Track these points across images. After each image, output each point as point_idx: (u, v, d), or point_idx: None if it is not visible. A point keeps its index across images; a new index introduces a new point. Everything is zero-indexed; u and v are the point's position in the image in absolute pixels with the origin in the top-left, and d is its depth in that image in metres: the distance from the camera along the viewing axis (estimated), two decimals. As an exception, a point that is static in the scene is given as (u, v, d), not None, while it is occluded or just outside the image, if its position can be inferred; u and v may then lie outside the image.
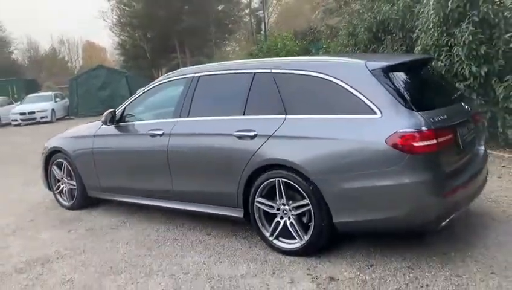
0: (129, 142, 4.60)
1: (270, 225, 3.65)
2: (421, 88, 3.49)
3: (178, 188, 4.18)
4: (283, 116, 3.56)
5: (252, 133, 3.63)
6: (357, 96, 3.26)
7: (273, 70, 3.74)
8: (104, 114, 4.70)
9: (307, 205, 3.40)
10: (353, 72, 3.40)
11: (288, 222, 3.55)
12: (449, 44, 6.42)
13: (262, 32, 26.71)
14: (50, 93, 24.85)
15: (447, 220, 3.13)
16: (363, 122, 3.21)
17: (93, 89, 23.70)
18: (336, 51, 11.01)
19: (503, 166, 5.74)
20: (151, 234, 4.32)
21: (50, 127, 17.19)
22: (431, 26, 6.62)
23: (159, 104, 4.62)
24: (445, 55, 6.46)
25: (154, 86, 4.64)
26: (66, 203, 5.36)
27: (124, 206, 5.09)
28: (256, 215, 3.70)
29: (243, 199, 3.74)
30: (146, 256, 3.83)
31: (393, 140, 3.03)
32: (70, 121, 20.77)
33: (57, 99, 23.67)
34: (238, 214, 3.83)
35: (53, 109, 22.25)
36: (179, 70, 4.54)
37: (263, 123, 3.64)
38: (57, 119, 22.29)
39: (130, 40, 36.94)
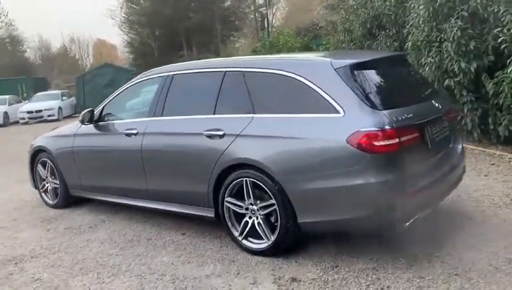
0: (106, 141, 4.61)
1: (239, 225, 3.62)
2: (388, 86, 3.41)
3: (152, 188, 4.18)
4: (251, 115, 3.53)
5: (220, 133, 3.61)
6: (321, 95, 3.21)
7: (243, 69, 3.71)
8: (81, 113, 4.71)
9: (273, 205, 3.37)
10: (318, 70, 3.35)
11: (256, 222, 3.52)
12: (439, 39, 6.31)
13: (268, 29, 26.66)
14: (57, 91, 25.05)
15: (411, 221, 3.07)
16: (327, 121, 3.16)
17: (99, 87, 23.79)
18: (334, 48, 10.91)
19: (493, 164, 5.64)
20: (127, 234, 4.33)
21: (57, 125, 17.29)
22: (421, 22, 6.52)
23: (135, 103, 4.63)
24: (435, 51, 6.36)
25: (131, 85, 4.63)
26: (51, 202, 5.40)
27: (107, 205, 5.10)
28: (226, 215, 3.68)
29: (213, 198, 3.72)
30: (117, 256, 3.83)
31: (355, 139, 2.98)
32: (77, 119, 20.84)
33: (64, 98, 23.86)
34: (209, 213, 3.81)
35: (60, 107, 22.43)
36: (155, 69, 4.52)
37: (232, 122, 3.61)
38: (64, 118, 22.45)
39: (138, 38, 37.13)
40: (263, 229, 3.47)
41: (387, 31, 8.29)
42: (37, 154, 5.45)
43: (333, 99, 3.16)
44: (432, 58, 6.38)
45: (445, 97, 4.37)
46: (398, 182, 3.00)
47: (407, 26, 7.09)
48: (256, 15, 34.40)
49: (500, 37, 5.41)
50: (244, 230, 3.58)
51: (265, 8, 30.41)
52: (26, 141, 5.92)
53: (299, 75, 3.35)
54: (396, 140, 2.97)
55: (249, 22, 36.83)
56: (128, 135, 4.29)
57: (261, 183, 3.40)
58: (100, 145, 4.67)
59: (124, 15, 37.30)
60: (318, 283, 3.04)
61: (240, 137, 3.51)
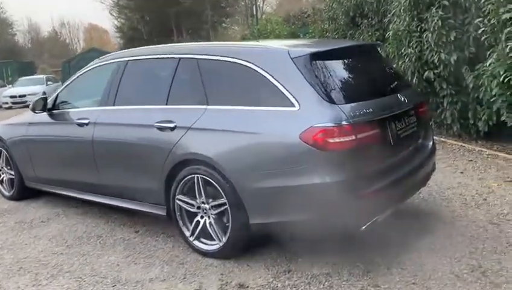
0: (59, 131, 4.33)
1: (191, 224, 3.38)
2: (350, 79, 3.17)
3: (103, 182, 3.92)
4: (204, 106, 3.27)
5: (171, 125, 3.35)
6: (277, 87, 2.95)
7: (197, 56, 3.44)
8: (32, 101, 4.42)
9: (225, 204, 3.13)
10: (274, 59, 3.09)
11: (207, 222, 3.28)
12: (420, 29, 6.05)
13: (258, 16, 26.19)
14: (42, 76, 24.56)
15: (368, 224, 2.84)
16: (281, 115, 2.91)
17: (85, 72, 23.30)
18: (319, 36, 10.61)
19: (470, 160, 5.43)
20: (79, 229, 4.07)
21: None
22: (402, 10, 6.25)
23: (89, 91, 4.34)
24: (416, 41, 6.10)
25: (87, 71, 4.34)
26: (7, 194, 5.12)
27: (65, 198, 4.81)
28: (178, 214, 3.43)
29: (165, 196, 3.47)
30: (62, 254, 3.59)
31: (308, 135, 2.73)
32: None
33: (49, 83, 23.33)
34: (161, 211, 3.56)
35: (44, 92, 21.88)
36: (111, 53, 4.23)
37: (184, 114, 3.35)
38: (49, 103, 22.01)
39: (127, 23, 36.49)
40: (215, 230, 3.24)
41: (370, 20, 8.00)
42: (-7, 143, 5.16)
43: (288, 91, 2.90)
44: (412, 49, 6.12)
45: (415, 90, 4.11)
46: (354, 182, 2.76)
47: (389, 15, 6.81)
48: (247, 1, 33.89)
49: (481, 28, 5.15)
50: (196, 230, 3.34)
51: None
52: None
53: (255, 64, 3.09)
54: (353, 137, 2.73)
55: (240, 9, 36.27)
56: (80, 124, 4.01)
57: (212, 181, 3.15)
58: (52, 135, 4.39)
59: (113, -1, 36.64)
60: (266, 290, 2.81)
61: (191, 130, 3.25)
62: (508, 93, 4.98)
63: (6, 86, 24.27)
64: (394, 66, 6.52)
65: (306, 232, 2.99)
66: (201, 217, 3.31)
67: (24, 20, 70.05)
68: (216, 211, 3.21)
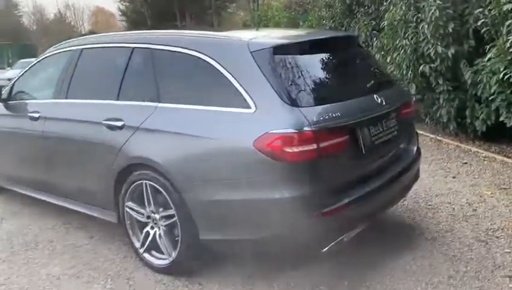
0: (11, 124, 3.97)
1: (141, 235, 3.03)
2: (318, 77, 2.74)
3: (53, 181, 3.59)
4: (155, 104, 2.89)
5: (120, 123, 2.98)
6: (233, 84, 2.57)
7: (152, 46, 3.05)
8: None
9: (174, 215, 2.77)
10: (232, 52, 2.70)
11: (157, 233, 2.93)
12: (416, 20, 5.61)
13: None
14: (41, 59, 24.22)
15: (331, 245, 2.47)
16: (236, 117, 2.53)
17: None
18: (316, 25, 10.14)
19: (465, 163, 5.02)
20: (30, 232, 3.74)
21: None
22: (399, -1, 5.81)
23: (44, 81, 3.97)
24: (412, 32, 5.66)
25: (43, 58, 3.98)
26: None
27: (26, 195, 4.51)
28: (128, 222, 3.09)
29: (115, 201, 3.13)
30: (4, 263, 3.26)
31: (262, 143, 2.36)
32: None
33: (48, 66, 23.04)
34: (111, 218, 3.22)
35: (42, 75, 21.69)
36: (68, 40, 3.85)
37: (133, 111, 2.98)
38: (47, 86, 21.75)
39: (131, 6, 35.98)
40: (164, 243, 2.88)
41: (366, 8, 7.54)
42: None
43: (245, 90, 2.52)
44: (408, 40, 5.69)
45: (400, 89, 3.69)
46: (316, 197, 2.38)
47: (385, 3, 6.36)
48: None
49: (480, 19, 4.72)
50: (146, 241, 3.00)
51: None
52: None
53: (210, 57, 2.70)
54: (314, 146, 2.35)
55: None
56: (32, 118, 3.66)
57: (161, 189, 2.79)
58: (7, 128, 4.03)
59: (117, -18, 36.11)
60: (212, 317, 2.47)
61: (139, 131, 2.88)
62: (507, 91, 4.58)
63: (5, 69, 24.00)
64: (388, 59, 6.11)
65: (258, 252, 2.64)
66: (152, 227, 2.97)
67: (29, 1, 69.50)
68: (166, 223, 2.86)
